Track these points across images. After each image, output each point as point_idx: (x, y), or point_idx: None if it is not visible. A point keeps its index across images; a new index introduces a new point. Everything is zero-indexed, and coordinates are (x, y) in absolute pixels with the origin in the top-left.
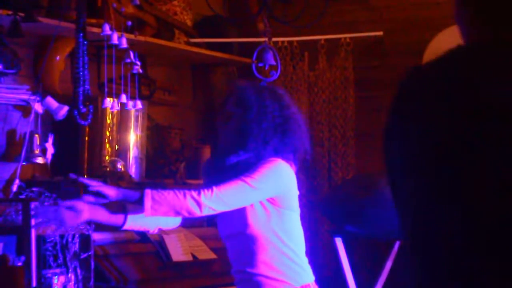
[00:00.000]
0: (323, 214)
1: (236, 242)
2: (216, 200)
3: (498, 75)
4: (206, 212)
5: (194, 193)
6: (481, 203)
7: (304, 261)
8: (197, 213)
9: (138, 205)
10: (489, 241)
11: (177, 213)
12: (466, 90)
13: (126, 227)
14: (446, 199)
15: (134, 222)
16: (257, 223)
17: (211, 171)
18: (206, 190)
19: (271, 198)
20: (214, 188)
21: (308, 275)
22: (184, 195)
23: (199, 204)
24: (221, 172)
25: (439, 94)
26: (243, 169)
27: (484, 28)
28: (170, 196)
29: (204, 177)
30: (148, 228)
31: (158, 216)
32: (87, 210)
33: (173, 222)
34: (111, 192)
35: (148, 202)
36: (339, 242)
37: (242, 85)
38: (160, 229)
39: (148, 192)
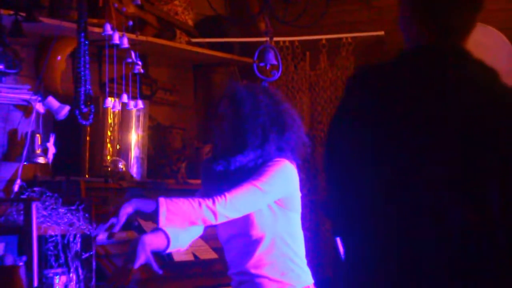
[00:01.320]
0: (324, 214)
1: (240, 243)
2: (231, 207)
3: (430, 82)
4: (220, 220)
5: (209, 202)
6: (414, 195)
7: (304, 262)
8: (212, 222)
9: (152, 217)
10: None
11: (192, 223)
12: (400, 95)
13: (169, 250)
14: (384, 194)
15: (175, 244)
16: (263, 225)
17: (212, 175)
18: (220, 199)
19: (278, 200)
20: (228, 196)
21: (308, 277)
22: (199, 205)
23: (214, 213)
24: (226, 177)
25: (377, 95)
26: (249, 172)
27: (429, 33)
28: (185, 206)
29: (204, 180)
30: (182, 246)
31: (189, 232)
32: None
33: (199, 231)
34: (126, 211)
35: (163, 214)
36: (339, 242)
37: (232, 85)
38: (189, 245)
39: (162, 203)
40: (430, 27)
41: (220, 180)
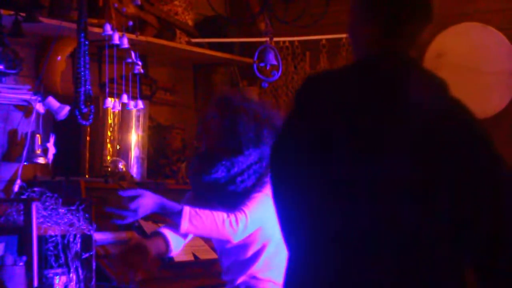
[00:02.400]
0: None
1: (245, 247)
2: (250, 226)
3: (380, 95)
4: (237, 240)
5: (233, 220)
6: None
7: None
8: (232, 240)
9: (173, 222)
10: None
11: (210, 237)
12: (348, 108)
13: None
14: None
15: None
16: (269, 231)
17: (204, 186)
18: (243, 217)
19: None
20: (248, 214)
21: None
22: (223, 222)
23: (235, 233)
24: (224, 187)
25: (326, 108)
26: (252, 178)
27: (378, 42)
28: (208, 220)
29: (195, 189)
30: (176, 250)
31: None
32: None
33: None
34: (149, 201)
35: (185, 223)
36: None
37: (215, 96)
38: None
39: (186, 212)
40: (380, 35)
41: (216, 191)
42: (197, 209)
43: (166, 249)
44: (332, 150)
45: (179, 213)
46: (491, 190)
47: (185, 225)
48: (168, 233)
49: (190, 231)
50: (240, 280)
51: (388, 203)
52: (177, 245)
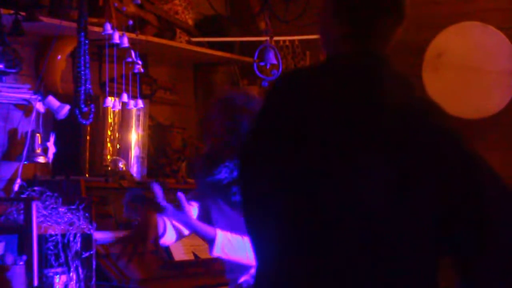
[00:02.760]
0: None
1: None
2: None
3: (350, 96)
4: None
5: None
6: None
7: None
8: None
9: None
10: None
11: (239, 262)
12: (318, 110)
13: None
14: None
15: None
16: None
17: (208, 186)
18: None
19: None
20: None
21: None
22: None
23: None
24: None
25: (295, 108)
26: None
27: (350, 41)
28: (239, 248)
29: (200, 189)
30: (169, 241)
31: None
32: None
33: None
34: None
35: (217, 250)
36: None
37: (218, 96)
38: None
39: (219, 240)
40: (352, 33)
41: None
42: (229, 236)
43: (158, 235)
44: (306, 149)
45: (212, 241)
46: (471, 183)
47: (217, 252)
48: (168, 223)
49: (220, 257)
50: (242, 279)
51: (365, 203)
52: (171, 238)
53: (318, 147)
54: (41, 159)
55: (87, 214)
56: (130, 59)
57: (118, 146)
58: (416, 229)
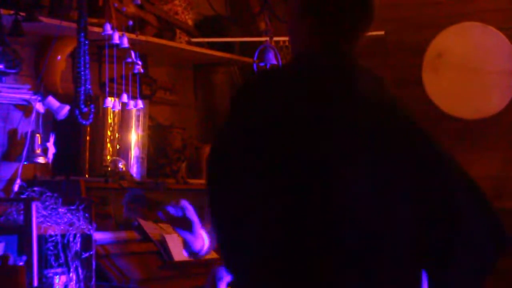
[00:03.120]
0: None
1: None
2: None
3: (321, 95)
4: None
5: None
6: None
7: None
8: None
9: None
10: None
11: None
12: (289, 110)
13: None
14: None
15: None
16: None
17: None
18: None
19: None
20: None
21: None
22: None
23: None
24: None
25: (265, 109)
26: None
27: (319, 39)
28: None
29: None
30: None
31: None
32: None
33: None
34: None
35: None
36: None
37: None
38: None
39: None
40: (321, 32)
41: None
42: None
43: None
44: (281, 151)
45: None
46: (442, 180)
47: None
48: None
49: None
50: None
51: (344, 207)
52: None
53: (296, 149)
54: (41, 160)
55: (87, 215)
56: (130, 60)
57: (118, 147)
58: (397, 227)
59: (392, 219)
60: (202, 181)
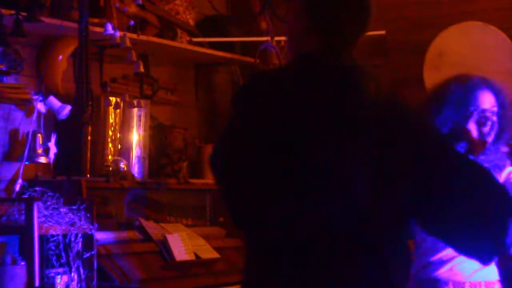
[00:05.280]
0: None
1: None
2: None
3: (322, 97)
4: None
5: None
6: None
7: None
8: None
9: None
10: None
11: None
12: (290, 113)
13: None
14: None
15: None
16: None
17: None
18: None
19: None
20: None
21: None
22: None
23: None
24: None
25: (266, 112)
26: None
27: (319, 42)
28: None
29: None
30: None
31: None
32: None
33: None
34: None
35: None
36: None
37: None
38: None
39: None
40: (321, 32)
41: None
42: None
43: None
44: (281, 150)
45: None
46: (442, 160)
47: None
48: None
49: None
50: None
51: (348, 194)
52: None
53: (296, 148)
54: (43, 160)
55: (88, 214)
56: (131, 60)
57: (119, 146)
58: (394, 208)
59: (390, 200)
60: (204, 181)
